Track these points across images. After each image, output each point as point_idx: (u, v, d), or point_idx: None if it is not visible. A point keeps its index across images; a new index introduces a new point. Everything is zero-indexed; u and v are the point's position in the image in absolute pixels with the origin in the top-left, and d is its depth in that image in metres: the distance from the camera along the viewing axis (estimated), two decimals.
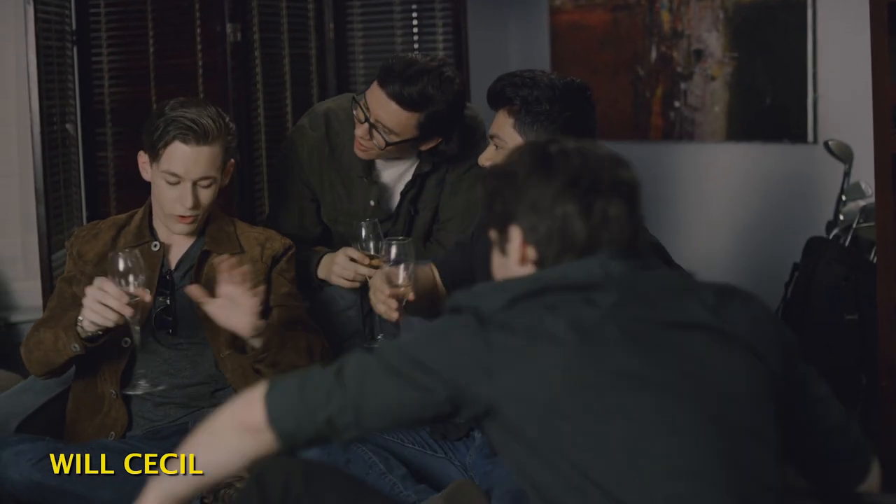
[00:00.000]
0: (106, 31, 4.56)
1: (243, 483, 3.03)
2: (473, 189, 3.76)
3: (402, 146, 3.56)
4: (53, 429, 3.35)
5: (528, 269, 2.12)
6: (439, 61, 3.53)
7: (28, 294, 4.83)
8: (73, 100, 4.53)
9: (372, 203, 3.72)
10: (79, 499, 3.05)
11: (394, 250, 3.13)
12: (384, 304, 3.11)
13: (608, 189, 2.10)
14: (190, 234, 3.39)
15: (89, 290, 3.06)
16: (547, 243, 2.10)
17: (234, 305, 3.10)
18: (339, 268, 3.52)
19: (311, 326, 3.45)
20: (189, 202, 3.27)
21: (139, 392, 3.37)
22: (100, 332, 3.16)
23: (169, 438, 3.28)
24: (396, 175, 3.75)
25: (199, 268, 3.39)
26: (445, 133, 3.60)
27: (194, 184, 3.27)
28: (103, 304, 3.04)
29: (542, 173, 2.10)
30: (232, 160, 3.40)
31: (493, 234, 2.19)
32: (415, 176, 3.73)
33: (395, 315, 3.09)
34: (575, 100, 3.13)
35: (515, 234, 2.13)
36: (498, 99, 3.17)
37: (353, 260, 3.50)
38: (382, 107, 3.47)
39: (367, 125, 3.51)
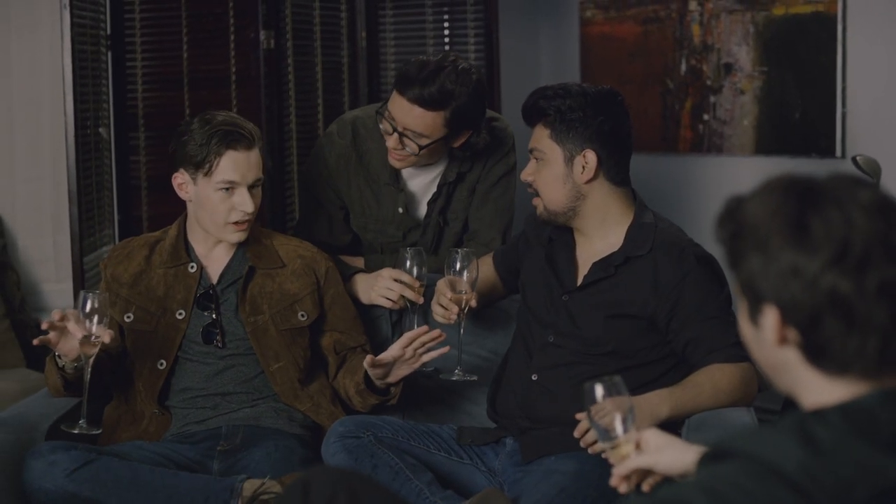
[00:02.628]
0: (140, 36, 4.59)
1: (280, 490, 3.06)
2: (502, 198, 3.78)
3: (435, 147, 3.58)
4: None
5: (792, 353, 1.72)
6: (453, 56, 3.55)
7: (59, 295, 4.87)
8: (106, 104, 4.56)
9: (400, 210, 3.74)
10: None
11: (458, 261, 3.31)
12: (444, 308, 3.30)
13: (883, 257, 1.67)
14: (240, 240, 3.41)
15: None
16: (813, 328, 1.68)
17: (400, 362, 3.28)
18: (383, 288, 3.52)
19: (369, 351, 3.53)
20: (250, 206, 3.31)
21: (179, 405, 3.40)
22: (75, 364, 3.20)
23: (202, 443, 3.31)
24: (423, 184, 3.77)
25: (245, 283, 3.43)
26: (474, 124, 3.60)
27: (249, 188, 3.32)
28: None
29: (799, 243, 1.68)
30: None
31: (740, 300, 1.80)
32: (440, 186, 3.75)
33: (452, 318, 3.29)
34: (607, 105, 3.18)
35: (771, 312, 1.72)
36: (532, 113, 3.22)
37: (397, 281, 3.50)
38: (407, 113, 3.49)
39: (396, 135, 3.53)
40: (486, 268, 3.53)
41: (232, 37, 4.58)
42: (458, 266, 3.31)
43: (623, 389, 2.32)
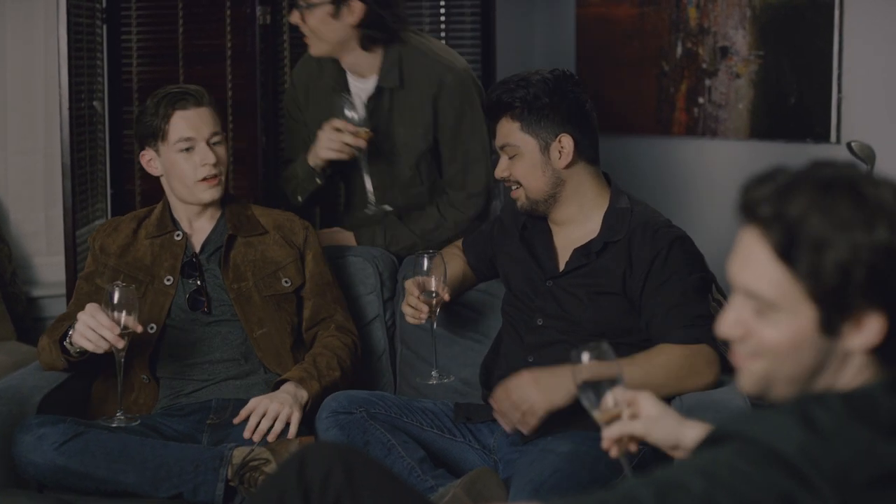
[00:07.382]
0: (136, 10, 4.56)
1: (276, 464, 3.05)
2: (463, 107, 3.82)
3: (324, 17, 3.70)
4: (77, 404, 3.37)
5: (859, 358, 1.69)
6: None
7: (50, 269, 4.88)
8: (101, 77, 4.55)
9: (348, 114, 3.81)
10: (102, 482, 3.07)
11: (425, 262, 3.25)
12: (413, 308, 3.24)
13: None
14: (216, 201, 3.48)
15: (82, 316, 3.13)
16: None
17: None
18: (325, 140, 3.69)
19: (341, 324, 3.53)
20: (212, 157, 3.41)
21: (169, 374, 3.42)
22: (85, 351, 3.21)
23: (191, 415, 3.33)
24: (365, 90, 3.87)
25: (226, 251, 3.48)
26: None
27: (207, 142, 3.41)
28: (97, 333, 3.11)
29: None
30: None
31: (806, 306, 1.69)
32: (378, 89, 3.83)
33: (423, 318, 3.23)
34: (570, 87, 3.21)
35: (877, 320, 1.66)
36: (496, 108, 3.21)
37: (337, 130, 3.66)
38: None
39: (297, 13, 3.73)
40: (455, 260, 3.52)
41: (228, 12, 4.56)
42: (425, 267, 3.24)
43: (610, 354, 2.31)
